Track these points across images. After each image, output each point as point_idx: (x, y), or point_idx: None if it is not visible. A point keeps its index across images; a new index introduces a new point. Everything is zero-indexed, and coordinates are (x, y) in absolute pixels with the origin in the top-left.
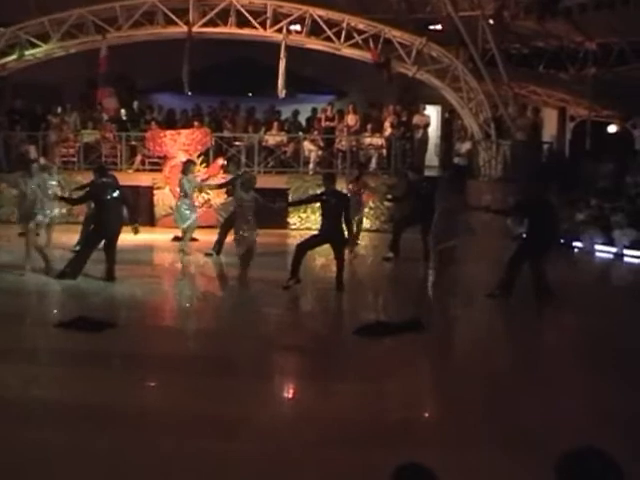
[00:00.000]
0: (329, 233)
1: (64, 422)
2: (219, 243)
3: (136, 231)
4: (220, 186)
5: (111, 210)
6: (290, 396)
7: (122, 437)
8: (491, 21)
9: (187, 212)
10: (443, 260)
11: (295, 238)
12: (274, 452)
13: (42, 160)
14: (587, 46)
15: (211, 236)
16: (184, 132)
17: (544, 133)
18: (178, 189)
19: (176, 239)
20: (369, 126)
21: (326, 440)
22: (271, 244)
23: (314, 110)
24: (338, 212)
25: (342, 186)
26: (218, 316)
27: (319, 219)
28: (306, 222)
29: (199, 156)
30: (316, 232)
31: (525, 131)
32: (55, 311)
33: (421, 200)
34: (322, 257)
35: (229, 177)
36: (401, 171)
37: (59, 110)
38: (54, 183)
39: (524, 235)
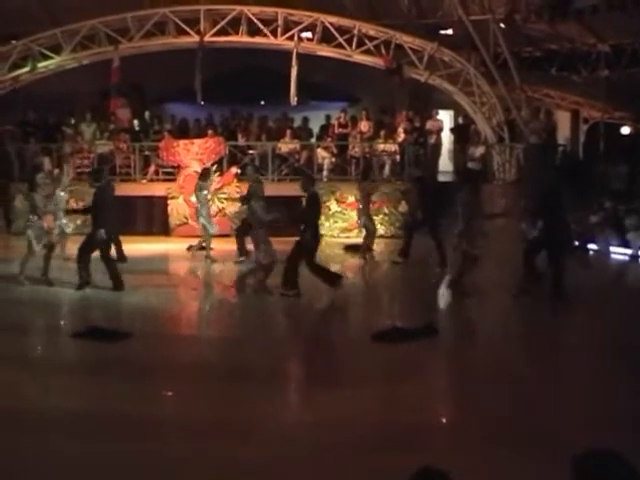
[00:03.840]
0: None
1: (80, 431)
2: (242, 250)
3: None
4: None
5: (111, 211)
6: (306, 401)
7: (138, 445)
8: (502, 24)
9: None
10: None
11: None
12: (290, 457)
13: (56, 171)
14: (599, 48)
15: (226, 245)
16: (197, 141)
17: (558, 136)
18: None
19: (191, 248)
20: (382, 132)
21: (342, 445)
22: (282, 252)
23: (328, 117)
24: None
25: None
26: (232, 323)
27: (333, 225)
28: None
29: (213, 165)
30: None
31: (538, 134)
32: (71, 321)
33: (427, 198)
34: (337, 263)
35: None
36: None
37: (73, 121)
38: (62, 194)
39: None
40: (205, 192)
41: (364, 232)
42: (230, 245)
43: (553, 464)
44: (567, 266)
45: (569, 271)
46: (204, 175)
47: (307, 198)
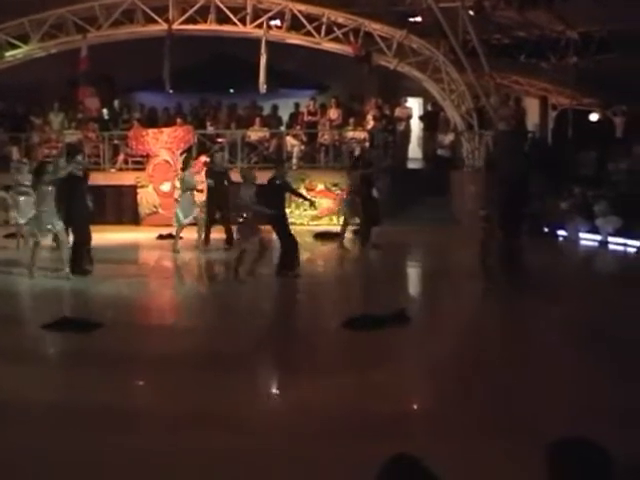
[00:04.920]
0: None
1: (52, 424)
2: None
3: None
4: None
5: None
6: (280, 390)
7: (114, 437)
8: (471, 12)
9: (190, 207)
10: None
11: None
12: (266, 446)
13: (24, 160)
14: (568, 35)
15: (195, 234)
16: (166, 130)
17: (527, 122)
18: (179, 184)
19: (161, 237)
20: (351, 120)
21: (316, 433)
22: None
23: (297, 105)
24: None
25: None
26: (204, 313)
27: (303, 213)
28: (290, 216)
29: (182, 153)
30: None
31: (507, 121)
32: (41, 312)
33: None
34: (307, 251)
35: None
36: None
37: (41, 110)
38: (27, 183)
39: None
40: (190, 180)
41: (343, 220)
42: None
43: (532, 452)
44: (537, 253)
45: (539, 258)
46: (186, 164)
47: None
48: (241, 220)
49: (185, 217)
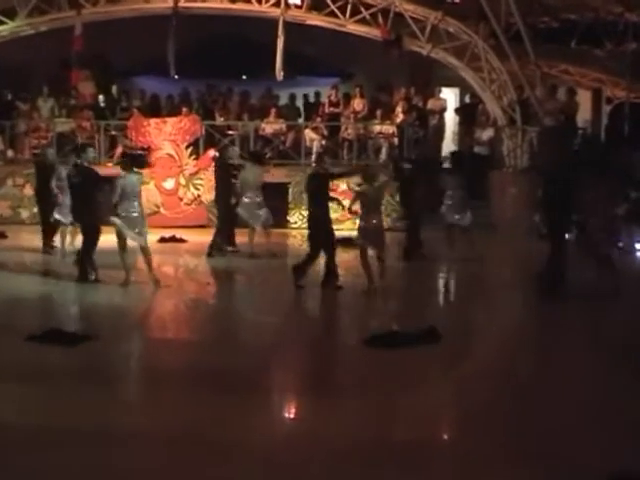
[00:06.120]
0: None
1: (35, 445)
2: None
3: None
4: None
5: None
6: (294, 412)
7: (102, 460)
8: None
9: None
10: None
11: (296, 238)
12: (276, 473)
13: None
14: (627, 18)
15: (202, 236)
16: (170, 120)
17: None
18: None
19: (163, 240)
20: (378, 112)
21: (334, 460)
22: (270, 244)
23: (317, 94)
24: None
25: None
26: (210, 325)
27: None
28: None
29: (188, 147)
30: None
31: (554, 116)
32: (26, 322)
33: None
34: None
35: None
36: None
37: (28, 95)
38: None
39: None
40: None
41: None
42: (207, 237)
43: None
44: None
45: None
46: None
47: None
48: (375, 222)
49: (257, 221)
